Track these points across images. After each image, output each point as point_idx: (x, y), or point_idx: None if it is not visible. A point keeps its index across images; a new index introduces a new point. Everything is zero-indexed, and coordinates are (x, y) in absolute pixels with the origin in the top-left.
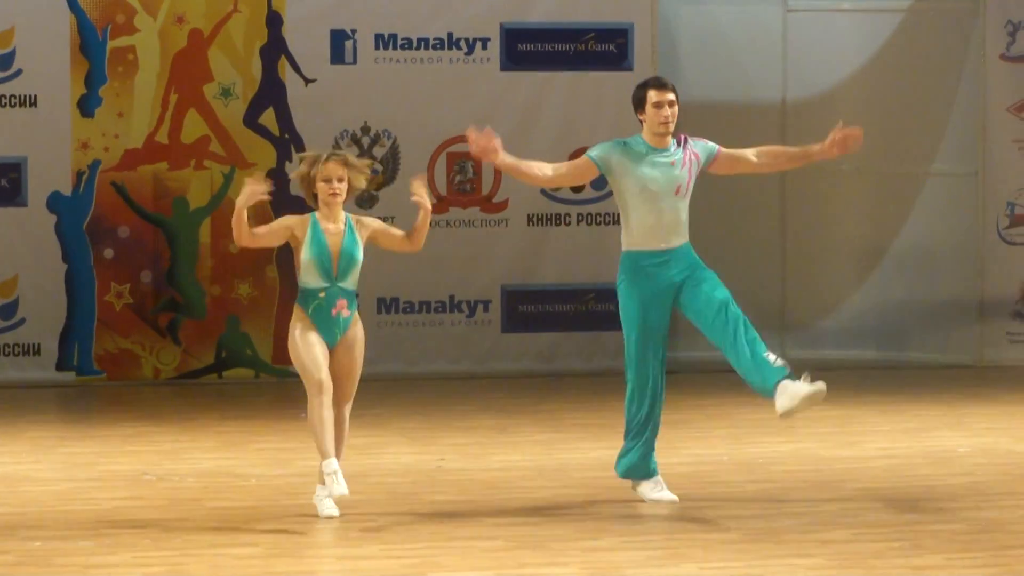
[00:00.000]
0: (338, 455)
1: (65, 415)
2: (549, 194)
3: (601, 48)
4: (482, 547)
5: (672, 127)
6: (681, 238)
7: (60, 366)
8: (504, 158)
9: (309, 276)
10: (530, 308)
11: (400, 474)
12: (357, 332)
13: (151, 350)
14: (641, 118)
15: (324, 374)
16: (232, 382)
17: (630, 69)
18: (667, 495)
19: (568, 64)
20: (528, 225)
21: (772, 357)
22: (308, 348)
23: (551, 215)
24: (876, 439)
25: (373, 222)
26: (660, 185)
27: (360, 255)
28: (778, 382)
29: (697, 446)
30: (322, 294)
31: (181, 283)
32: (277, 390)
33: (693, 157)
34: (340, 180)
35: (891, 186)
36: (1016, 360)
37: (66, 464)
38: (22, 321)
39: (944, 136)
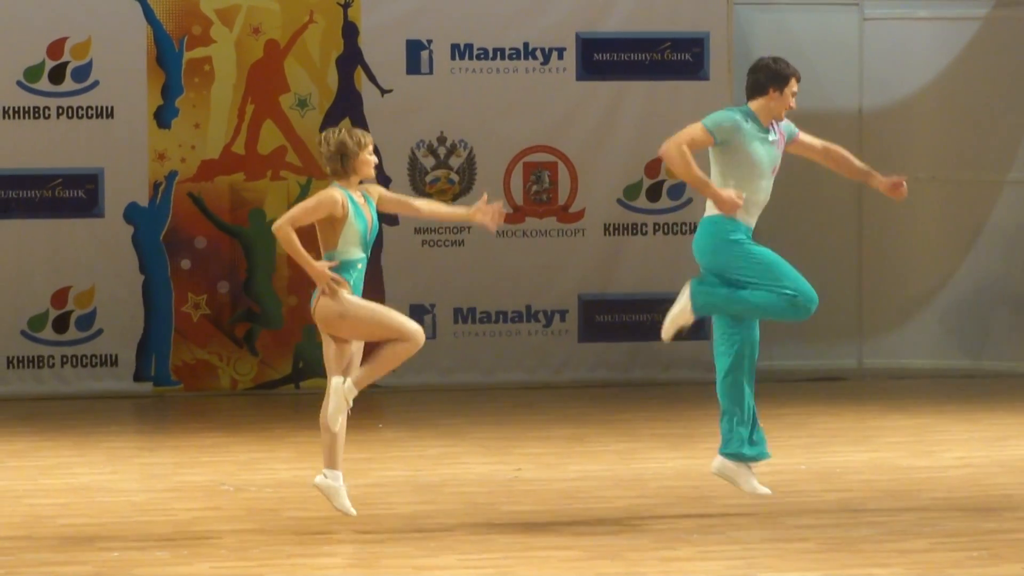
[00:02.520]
0: None
1: (142, 426)
2: (625, 203)
3: (677, 57)
4: (559, 557)
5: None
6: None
7: (137, 376)
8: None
9: (351, 247)
10: (606, 318)
11: (477, 484)
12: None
13: (228, 361)
14: (766, 98)
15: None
16: (309, 392)
17: (706, 78)
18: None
19: (644, 73)
20: (604, 235)
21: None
22: (376, 306)
23: (627, 224)
24: (953, 448)
25: (378, 188)
26: (765, 165)
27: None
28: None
29: (775, 455)
30: (360, 265)
31: (258, 293)
32: (354, 400)
33: (781, 137)
34: (372, 157)
35: (967, 195)
36: None
37: (143, 475)
38: (99, 332)
39: (1021, 144)
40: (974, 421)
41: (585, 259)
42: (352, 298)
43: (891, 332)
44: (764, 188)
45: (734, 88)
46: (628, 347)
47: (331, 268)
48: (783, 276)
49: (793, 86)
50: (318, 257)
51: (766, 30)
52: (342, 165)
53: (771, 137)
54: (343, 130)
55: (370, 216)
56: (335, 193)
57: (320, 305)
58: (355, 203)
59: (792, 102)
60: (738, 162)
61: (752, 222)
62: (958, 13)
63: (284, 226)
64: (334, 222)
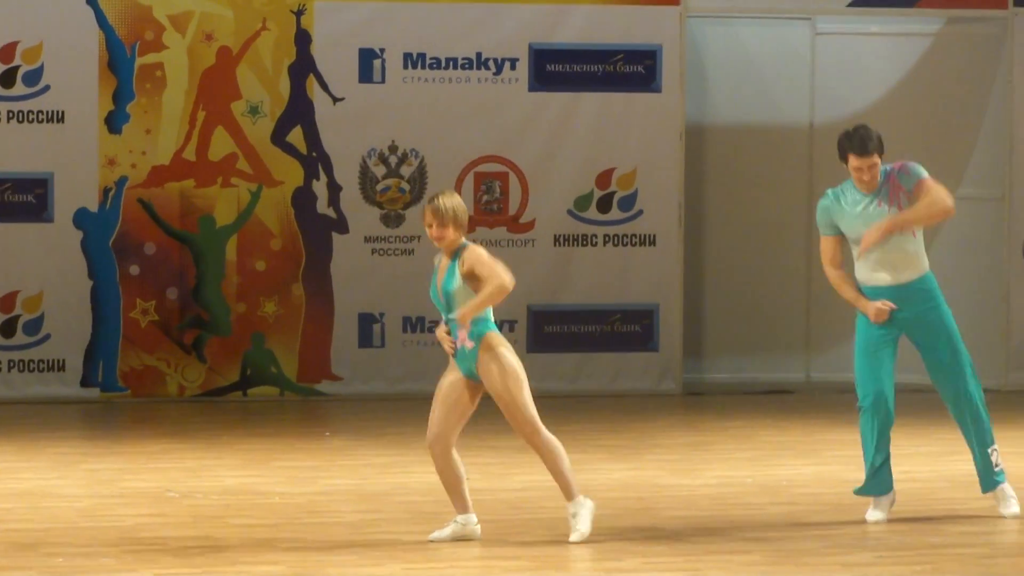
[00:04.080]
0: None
1: (89, 431)
2: (575, 214)
3: (629, 69)
4: (504, 567)
5: (877, 183)
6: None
7: (85, 382)
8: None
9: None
10: (556, 328)
11: (423, 493)
12: (483, 364)
13: (176, 367)
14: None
15: (431, 420)
16: (257, 400)
17: (658, 91)
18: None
19: (596, 85)
20: (555, 245)
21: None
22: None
23: (578, 236)
24: (899, 463)
25: (472, 254)
26: (857, 231)
27: (453, 285)
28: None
29: (721, 468)
30: (448, 325)
31: (207, 300)
32: (301, 408)
33: (893, 193)
34: (429, 226)
35: None
36: None
37: (89, 480)
38: (47, 337)
39: (971, 160)
40: (920, 436)
41: (535, 270)
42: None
43: (839, 346)
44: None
45: (686, 101)
46: (577, 358)
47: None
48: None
49: (853, 162)
50: None
51: (719, 43)
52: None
53: (869, 201)
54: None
55: (439, 280)
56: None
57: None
58: (436, 268)
59: (864, 178)
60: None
61: (878, 279)
62: (909, 29)
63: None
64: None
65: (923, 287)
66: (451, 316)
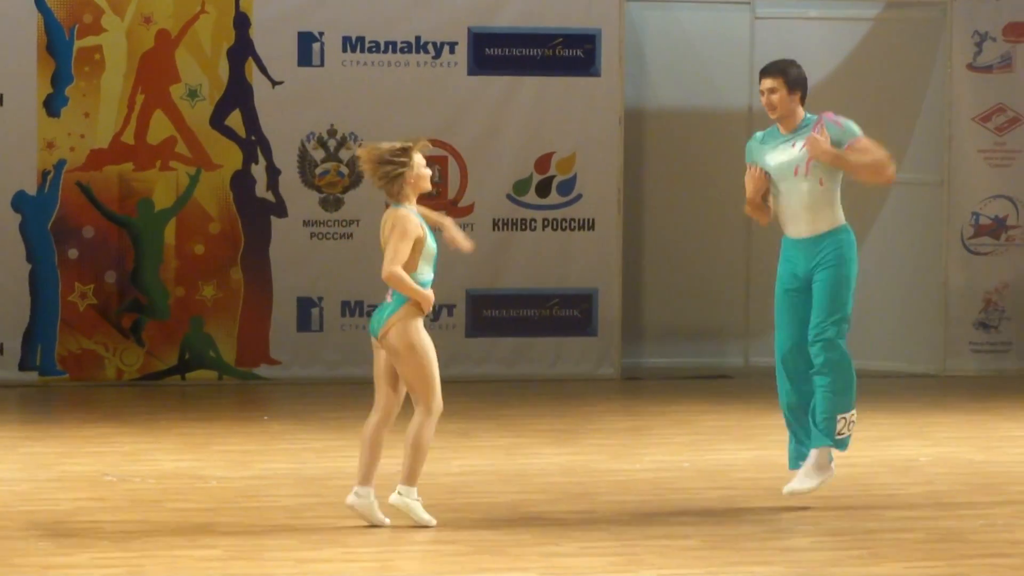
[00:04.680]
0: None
1: (26, 415)
2: (514, 199)
3: (569, 53)
4: (442, 551)
5: (777, 112)
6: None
7: (23, 366)
8: None
9: (426, 268)
10: (494, 313)
11: None
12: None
13: (114, 351)
14: None
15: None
16: (195, 384)
17: (597, 75)
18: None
19: (535, 69)
20: (494, 230)
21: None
22: (434, 362)
23: (516, 220)
24: None
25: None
26: (780, 170)
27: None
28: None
29: (659, 452)
30: (430, 285)
31: (145, 284)
32: (240, 392)
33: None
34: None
35: (857, 195)
36: (979, 370)
37: (27, 464)
38: None
39: (910, 145)
40: (858, 421)
41: (473, 254)
42: (423, 336)
43: None
44: (785, 192)
45: (625, 85)
46: (515, 342)
47: None
48: None
49: (761, 84)
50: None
51: (658, 27)
52: (404, 183)
53: (789, 141)
54: (405, 149)
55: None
56: (411, 216)
57: (398, 330)
58: (424, 221)
59: (763, 100)
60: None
61: (790, 231)
62: (849, 14)
63: (395, 271)
64: (417, 245)
65: (833, 243)
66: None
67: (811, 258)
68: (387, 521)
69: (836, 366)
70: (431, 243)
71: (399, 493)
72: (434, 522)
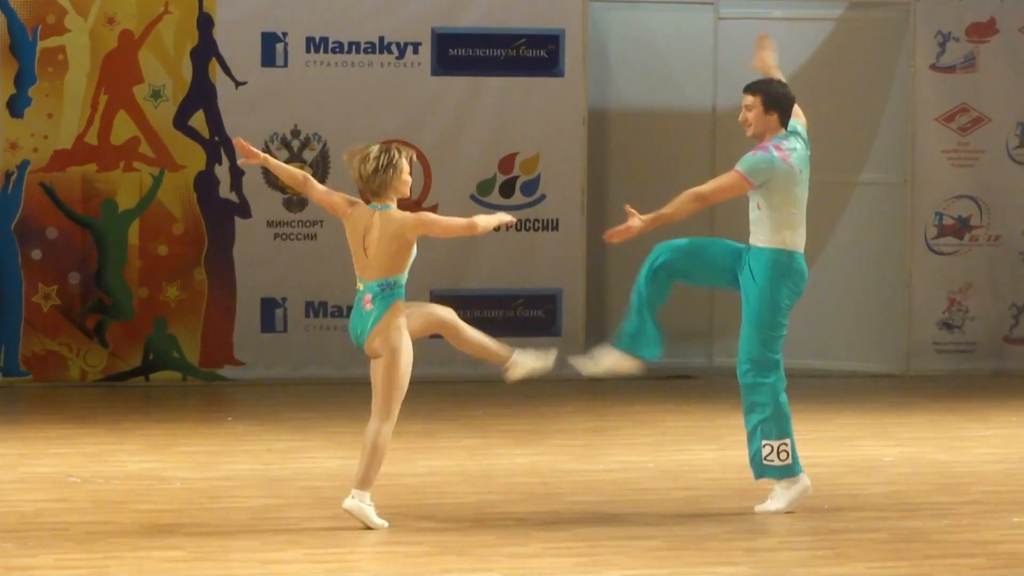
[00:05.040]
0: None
1: None
2: (478, 199)
3: (532, 54)
4: (406, 552)
5: (751, 130)
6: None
7: None
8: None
9: (407, 270)
10: (459, 314)
11: (325, 479)
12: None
13: (78, 352)
14: None
15: None
16: (159, 385)
17: (561, 75)
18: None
19: (499, 69)
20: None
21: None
22: (408, 372)
23: None
24: (801, 448)
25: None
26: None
27: None
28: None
29: (623, 453)
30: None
31: (109, 285)
32: (203, 393)
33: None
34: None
35: (820, 195)
36: (942, 370)
37: None
38: None
39: (873, 146)
40: (822, 421)
41: (437, 254)
42: (408, 343)
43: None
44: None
45: (588, 86)
46: None
47: (388, 290)
48: None
49: (743, 99)
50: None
51: (621, 28)
52: (389, 183)
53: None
54: (391, 148)
55: None
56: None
57: (384, 334)
58: None
59: (740, 117)
60: None
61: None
62: (812, 14)
63: (471, 219)
64: (411, 245)
65: (756, 259)
66: None
67: (752, 264)
68: (385, 524)
69: (762, 405)
70: (415, 248)
71: (353, 497)
72: (386, 525)
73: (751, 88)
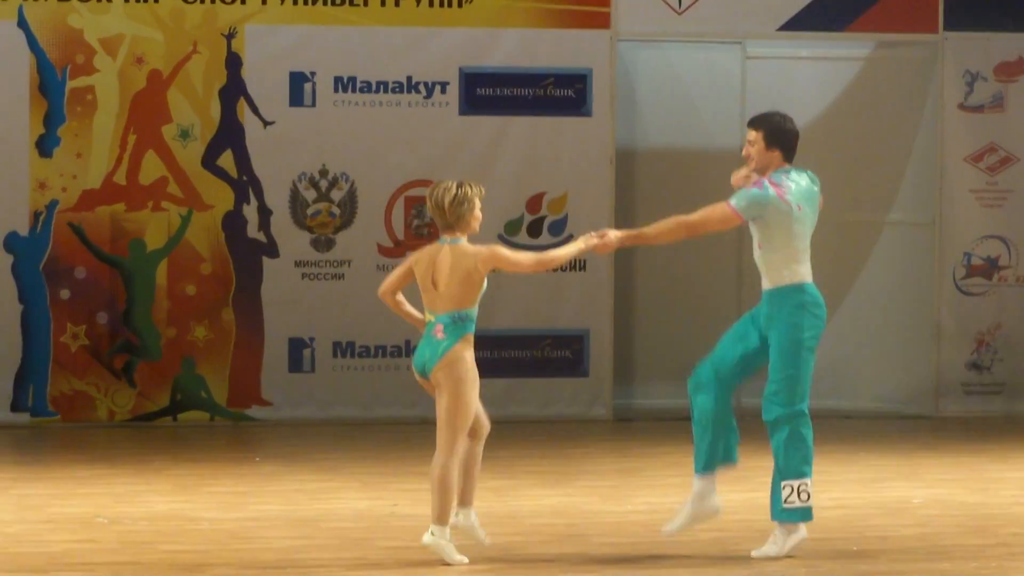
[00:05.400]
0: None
1: (18, 456)
2: (506, 239)
3: (560, 93)
4: None
5: (753, 165)
6: (763, 282)
7: (14, 407)
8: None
9: (477, 304)
10: (485, 353)
11: (353, 519)
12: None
13: (106, 392)
14: None
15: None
16: (186, 425)
17: (589, 114)
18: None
19: (527, 109)
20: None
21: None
22: (473, 404)
23: None
24: (829, 489)
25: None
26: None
27: None
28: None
29: (650, 494)
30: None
31: (137, 325)
32: (231, 433)
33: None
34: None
35: (849, 234)
36: (971, 411)
37: (18, 506)
38: None
39: (901, 185)
40: (851, 462)
41: None
42: (475, 374)
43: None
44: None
45: (616, 125)
46: (506, 383)
47: (460, 322)
48: None
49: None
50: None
51: (649, 67)
52: (463, 217)
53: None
54: (468, 186)
55: None
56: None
57: (452, 365)
58: None
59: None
60: None
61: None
62: (840, 53)
63: (550, 253)
64: (482, 278)
65: (769, 302)
66: None
67: (765, 310)
68: (465, 560)
69: (784, 443)
70: (486, 282)
71: (432, 534)
72: (466, 560)
73: (754, 122)
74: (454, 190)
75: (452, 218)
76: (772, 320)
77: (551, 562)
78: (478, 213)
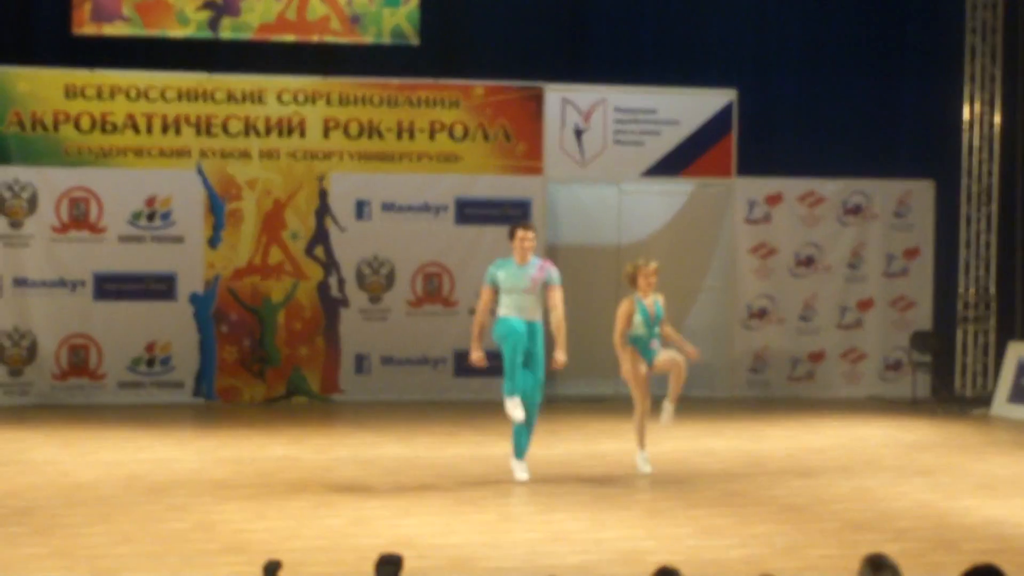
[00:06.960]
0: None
1: (197, 423)
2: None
3: (513, 212)
4: None
5: (529, 255)
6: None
7: (195, 394)
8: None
9: (637, 328)
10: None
11: (394, 459)
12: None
13: (248, 384)
14: (512, 244)
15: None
16: (296, 405)
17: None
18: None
19: (495, 221)
20: (468, 314)
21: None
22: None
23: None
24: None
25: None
26: (512, 285)
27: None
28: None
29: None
30: (643, 337)
31: (266, 347)
32: (321, 409)
33: (539, 272)
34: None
35: (673, 296)
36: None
37: (196, 449)
38: (172, 367)
39: (710, 266)
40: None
41: (459, 328)
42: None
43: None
44: (517, 300)
45: (547, 232)
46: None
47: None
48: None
49: (518, 235)
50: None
51: (568, 199)
52: (632, 283)
53: (525, 269)
54: (631, 266)
55: (650, 306)
56: (632, 298)
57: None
58: (641, 303)
59: (520, 244)
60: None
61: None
62: (676, 189)
63: (618, 340)
64: (630, 314)
65: (538, 328)
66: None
67: (531, 334)
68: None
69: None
70: (638, 314)
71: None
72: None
73: (530, 227)
74: (633, 275)
75: (633, 286)
76: (536, 341)
77: None
78: (640, 282)
